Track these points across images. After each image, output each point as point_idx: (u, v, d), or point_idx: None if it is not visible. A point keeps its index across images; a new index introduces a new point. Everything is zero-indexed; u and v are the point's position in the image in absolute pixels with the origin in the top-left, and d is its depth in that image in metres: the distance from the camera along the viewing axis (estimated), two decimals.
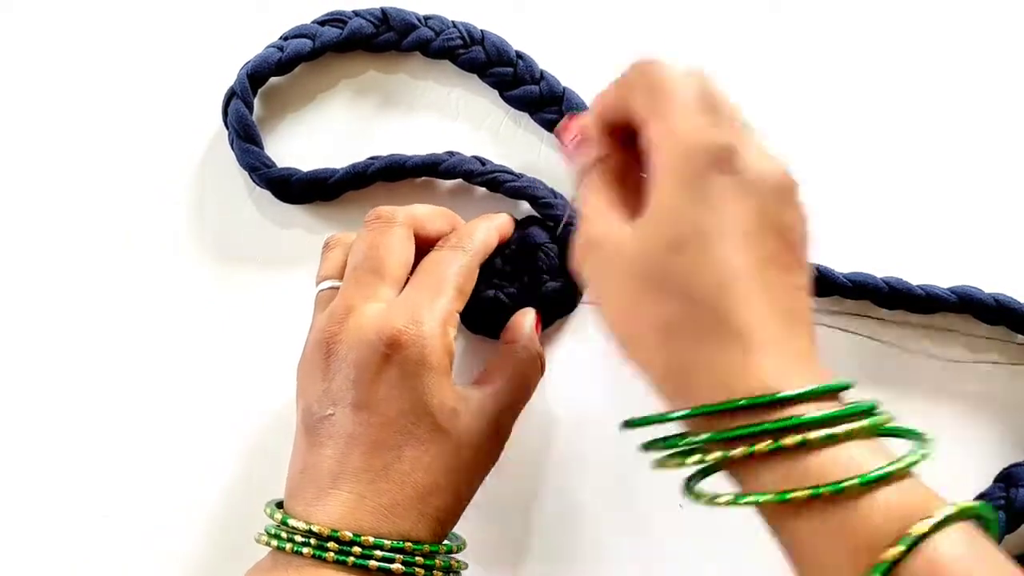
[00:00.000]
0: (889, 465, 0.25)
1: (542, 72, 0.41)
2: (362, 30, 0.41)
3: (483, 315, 0.39)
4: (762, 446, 0.26)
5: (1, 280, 0.42)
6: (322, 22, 0.42)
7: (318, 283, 0.36)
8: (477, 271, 0.35)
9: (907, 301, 0.41)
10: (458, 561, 0.33)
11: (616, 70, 0.42)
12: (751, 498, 0.26)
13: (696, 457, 0.27)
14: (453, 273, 0.34)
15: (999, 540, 0.39)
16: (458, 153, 0.41)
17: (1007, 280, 0.41)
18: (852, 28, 0.44)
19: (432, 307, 0.33)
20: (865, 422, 0.26)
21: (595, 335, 0.40)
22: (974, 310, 0.41)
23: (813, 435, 0.26)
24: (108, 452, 0.40)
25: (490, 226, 0.37)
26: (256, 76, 0.41)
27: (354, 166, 0.40)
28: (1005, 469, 0.40)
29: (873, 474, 0.25)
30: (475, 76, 0.42)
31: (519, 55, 0.42)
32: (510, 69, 0.41)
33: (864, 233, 0.42)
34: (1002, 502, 0.39)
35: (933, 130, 0.43)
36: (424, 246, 0.36)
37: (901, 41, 0.44)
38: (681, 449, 0.28)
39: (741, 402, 0.26)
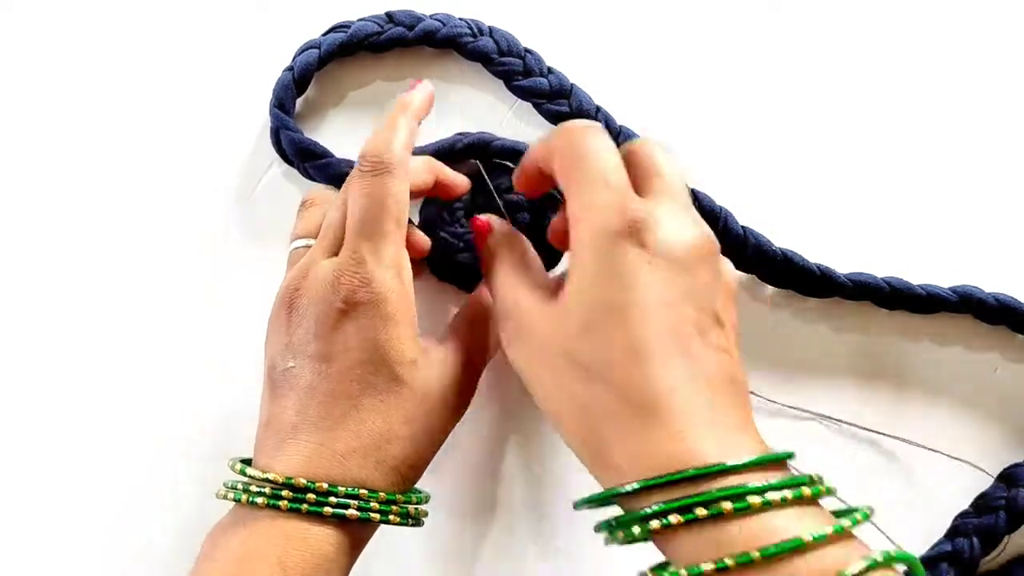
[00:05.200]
0: (823, 528, 0.25)
1: (550, 68, 0.42)
2: (365, 29, 0.41)
3: (447, 261, 0.39)
4: (701, 511, 0.26)
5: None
6: (325, 33, 0.42)
7: (292, 241, 0.36)
8: (408, 189, 0.33)
9: (908, 301, 0.41)
10: (416, 508, 0.33)
11: (616, 70, 0.43)
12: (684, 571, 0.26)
13: (638, 529, 0.27)
14: (381, 204, 0.32)
15: (998, 541, 0.39)
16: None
17: (1008, 280, 0.41)
18: (852, 28, 0.44)
19: (378, 251, 0.32)
20: (803, 491, 0.26)
21: None
22: (975, 310, 0.41)
23: (751, 500, 0.25)
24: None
25: (405, 121, 0.34)
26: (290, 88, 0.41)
27: (442, 142, 0.40)
28: (1005, 469, 0.40)
29: (806, 538, 0.25)
30: (479, 73, 0.42)
31: (527, 50, 0.42)
32: (519, 60, 0.41)
33: (865, 233, 0.42)
34: (1002, 502, 0.39)
35: (933, 130, 0.43)
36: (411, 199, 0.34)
37: (901, 41, 0.44)
38: (624, 522, 0.28)
39: (689, 473, 0.26)
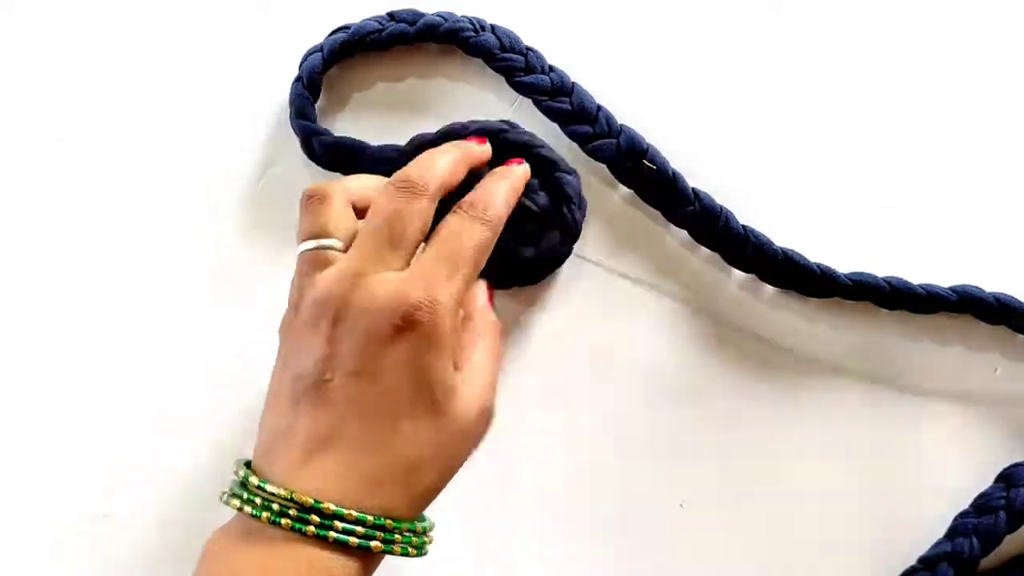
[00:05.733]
0: None
1: (551, 66, 0.42)
2: (366, 27, 0.41)
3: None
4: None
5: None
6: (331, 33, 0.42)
7: (300, 240, 0.34)
8: (494, 245, 0.34)
9: (908, 301, 0.41)
10: (421, 539, 0.32)
11: (617, 70, 0.43)
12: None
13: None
14: (472, 248, 0.33)
15: (998, 541, 0.39)
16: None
17: (1008, 280, 0.41)
18: (852, 28, 0.44)
19: (449, 284, 0.32)
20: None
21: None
22: (975, 310, 0.41)
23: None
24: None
25: (510, 188, 0.36)
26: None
27: (453, 126, 0.40)
28: (1005, 469, 0.40)
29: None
30: (480, 73, 0.42)
31: (528, 48, 0.42)
32: (521, 57, 0.41)
33: (865, 233, 0.42)
34: (1002, 502, 0.39)
35: (933, 129, 0.43)
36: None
37: (901, 41, 0.44)
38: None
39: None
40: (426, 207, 0.33)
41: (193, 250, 0.42)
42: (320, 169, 0.42)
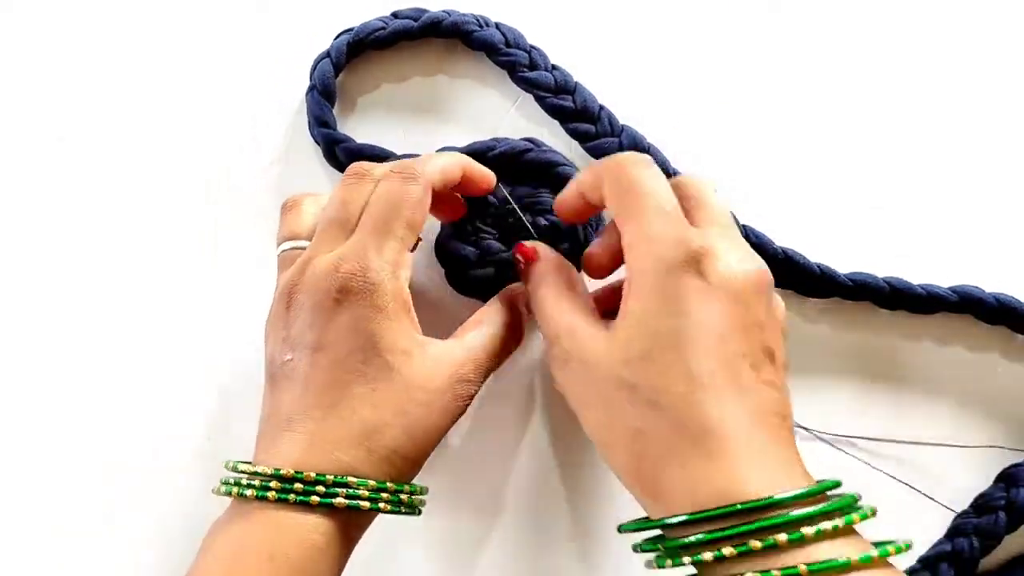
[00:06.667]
0: (869, 551, 0.26)
1: (554, 64, 0.42)
2: (370, 26, 0.41)
3: (466, 276, 0.39)
4: (755, 543, 0.26)
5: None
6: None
7: (279, 244, 0.36)
8: (429, 200, 0.34)
9: (908, 301, 0.41)
10: (411, 497, 0.33)
11: (618, 70, 0.43)
12: None
13: (688, 559, 0.27)
14: (400, 208, 0.33)
15: (998, 541, 0.39)
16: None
17: (1008, 280, 0.41)
18: (852, 28, 0.44)
19: (382, 250, 0.33)
20: (851, 516, 0.27)
21: None
22: (975, 310, 0.41)
23: (804, 531, 0.26)
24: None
25: (449, 158, 0.36)
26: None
27: (475, 146, 0.40)
28: (1005, 469, 0.40)
29: (853, 558, 0.26)
30: (483, 71, 0.42)
31: (532, 47, 0.42)
32: (524, 53, 0.41)
33: (865, 233, 0.42)
34: (1002, 502, 0.39)
35: (933, 129, 0.43)
36: (441, 191, 0.35)
37: (901, 41, 0.44)
38: (670, 548, 0.28)
39: (737, 507, 0.27)
40: (369, 188, 0.34)
41: (193, 250, 0.42)
42: (320, 169, 0.42)
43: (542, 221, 0.39)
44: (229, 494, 0.31)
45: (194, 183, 0.43)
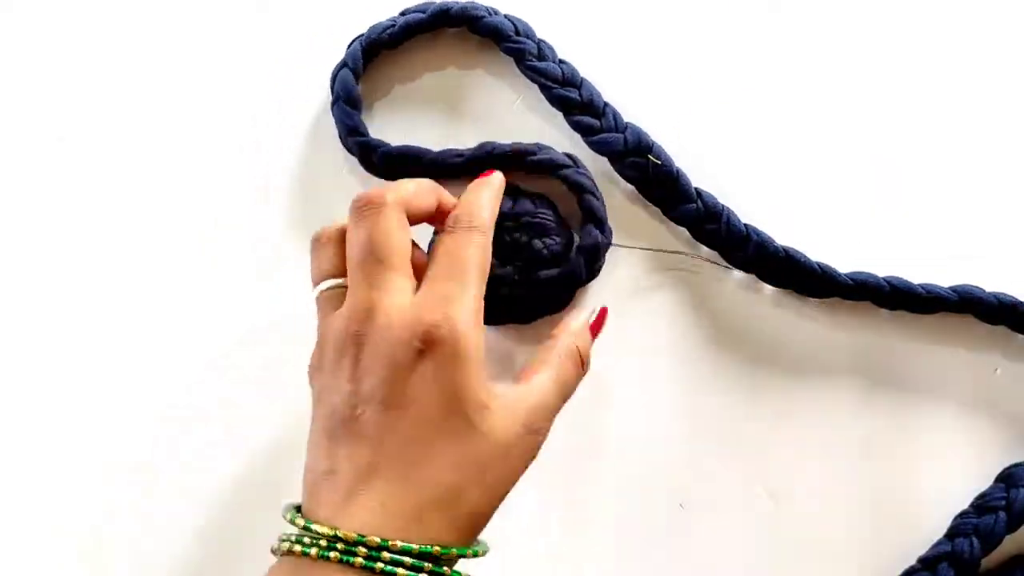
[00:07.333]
0: None
1: (563, 59, 0.42)
2: (379, 26, 0.42)
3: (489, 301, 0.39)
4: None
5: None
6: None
7: (316, 283, 0.35)
8: (490, 249, 0.34)
9: (908, 301, 0.41)
10: (474, 554, 0.32)
11: (620, 69, 0.43)
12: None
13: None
14: (474, 257, 0.33)
15: (998, 541, 0.39)
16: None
17: (1008, 280, 0.41)
18: (852, 28, 0.44)
19: (463, 299, 0.32)
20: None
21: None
22: (975, 310, 0.41)
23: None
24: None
25: (491, 195, 0.35)
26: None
27: (479, 151, 0.41)
28: (1005, 469, 0.40)
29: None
30: (490, 63, 0.43)
31: (541, 40, 0.42)
32: (533, 43, 0.42)
33: (866, 232, 0.42)
34: (1002, 502, 0.39)
35: (934, 129, 0.43)
36: (413, 224, 0.34)
37: (901, 40, 0.44)
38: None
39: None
40: (394, 216, 0.33)
41: (193, 250, 0.42)
42: (321, 167, 0.42)
43: (538, 244, 0.39)
44: (306, 554, 0.29)
45: (194, 184, 0.43)
